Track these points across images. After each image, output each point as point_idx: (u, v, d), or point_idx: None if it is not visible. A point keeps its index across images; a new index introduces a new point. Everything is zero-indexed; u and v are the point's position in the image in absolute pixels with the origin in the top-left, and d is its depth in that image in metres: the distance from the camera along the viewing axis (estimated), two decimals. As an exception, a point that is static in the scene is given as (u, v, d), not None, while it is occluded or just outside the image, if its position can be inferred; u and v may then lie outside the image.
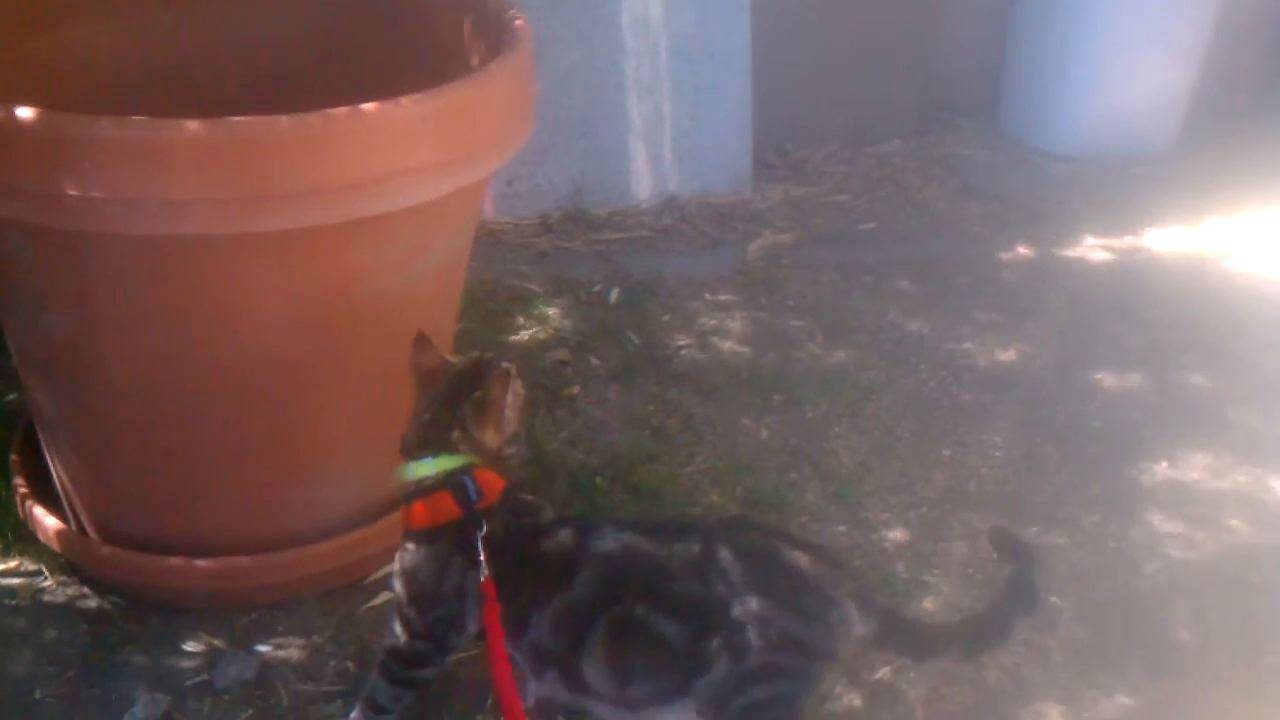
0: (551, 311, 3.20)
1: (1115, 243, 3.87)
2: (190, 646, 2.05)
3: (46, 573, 2.17)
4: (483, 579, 1.64)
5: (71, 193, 1.65)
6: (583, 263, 3.52)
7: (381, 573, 2.14)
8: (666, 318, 3.22)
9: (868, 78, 4.36)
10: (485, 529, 1.66)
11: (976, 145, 4.61)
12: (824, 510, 2.49)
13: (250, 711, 1.93)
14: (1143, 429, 2.86)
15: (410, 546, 1.75)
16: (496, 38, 2.12)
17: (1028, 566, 1.79)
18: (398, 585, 1.77)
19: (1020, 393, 2.99)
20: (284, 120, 1.70)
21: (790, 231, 3.82)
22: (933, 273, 3.59)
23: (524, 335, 3.09)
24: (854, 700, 2.01)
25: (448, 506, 1.68)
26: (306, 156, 1.73)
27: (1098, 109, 4.47)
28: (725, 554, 1.66)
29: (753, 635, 1.59)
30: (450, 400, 1.72)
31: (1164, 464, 2.73)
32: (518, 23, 2.12)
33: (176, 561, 2.05)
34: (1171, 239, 3.93)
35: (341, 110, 1.73)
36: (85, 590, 2.15)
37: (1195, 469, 2.73)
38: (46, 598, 2.13)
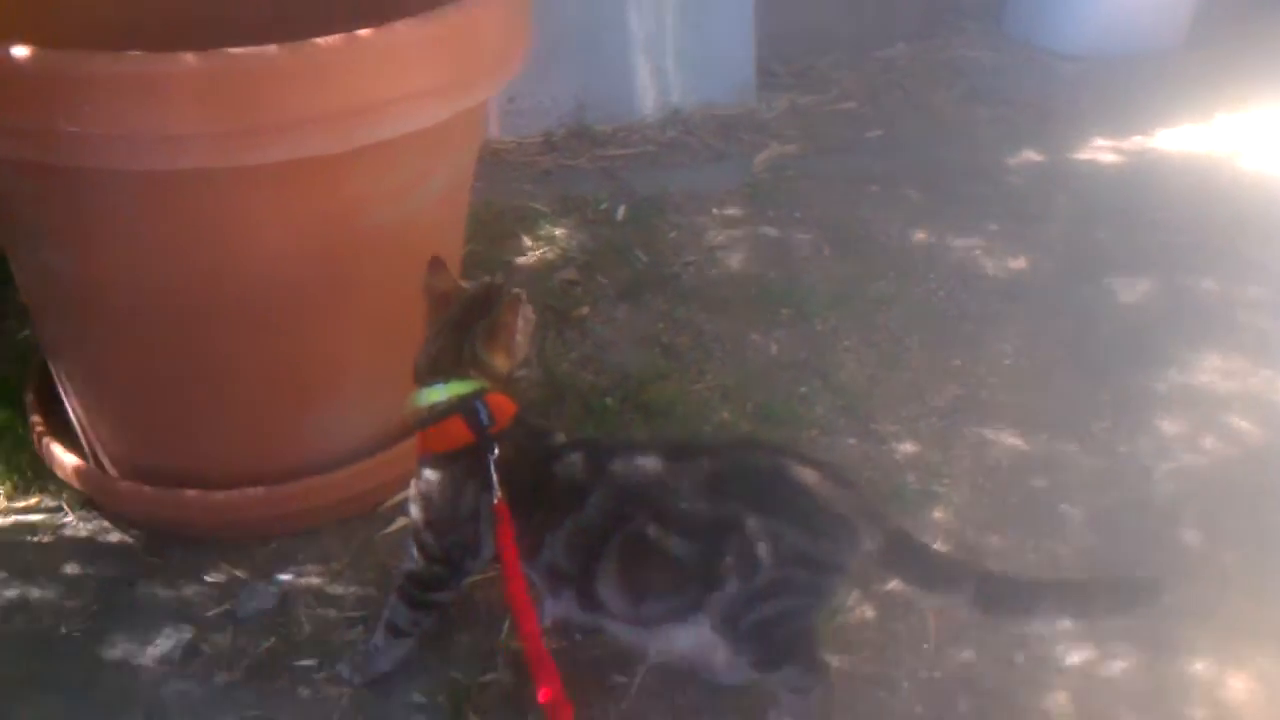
0: (558, 231, 3.19)
1: (1124, 144, 3.84)
2: (211, 578, 2.08)
3: (67, 508, 2.20)
4: (496, 501, 1.66)
5: (69, 130, 1.64)
6: (588, 180, 3.50)
7: (397, 499, 2.17)
8: (674, 234, 3.21)
9: (871, -19, 4.31)
10: (497, 453, 1.68)
11: (983, 47, 4.55)
12: (834, 423, 2.50)
13: (273, 639, 1.96)
14: (1152, 333, 2.86)
15: (425, 472, 1.76)
16: (492, -44, 2.08)
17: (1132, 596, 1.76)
18: (414, 510, 1.79)
19: (1029, 300, 2.98)
20: (280, 50, 1.67)
21: (796, 142, 3.79)
22: (940, 180, 3.56)
23: (531, 256, 3.08)
24: (866, 612, 2.04)
25: (460, 431, 1.69)
26: (304, 86, 1.71)
27: (1105, 6, 4.40)
28: (734, 472, 1.68)
29: (763, 552, 1.61)
30: (461, 326, 1.72)
31: (1173, 368, 2.73)
32: (514, -60, 2.08)
33: (193, 494, 2.07)
34: (1180, 138, 3.89)
35: (338, 37, 1.71)
36: (106, 525, 2.17)
37: (1204, 372, 2.73)
38: (68, 533, 2.16)
